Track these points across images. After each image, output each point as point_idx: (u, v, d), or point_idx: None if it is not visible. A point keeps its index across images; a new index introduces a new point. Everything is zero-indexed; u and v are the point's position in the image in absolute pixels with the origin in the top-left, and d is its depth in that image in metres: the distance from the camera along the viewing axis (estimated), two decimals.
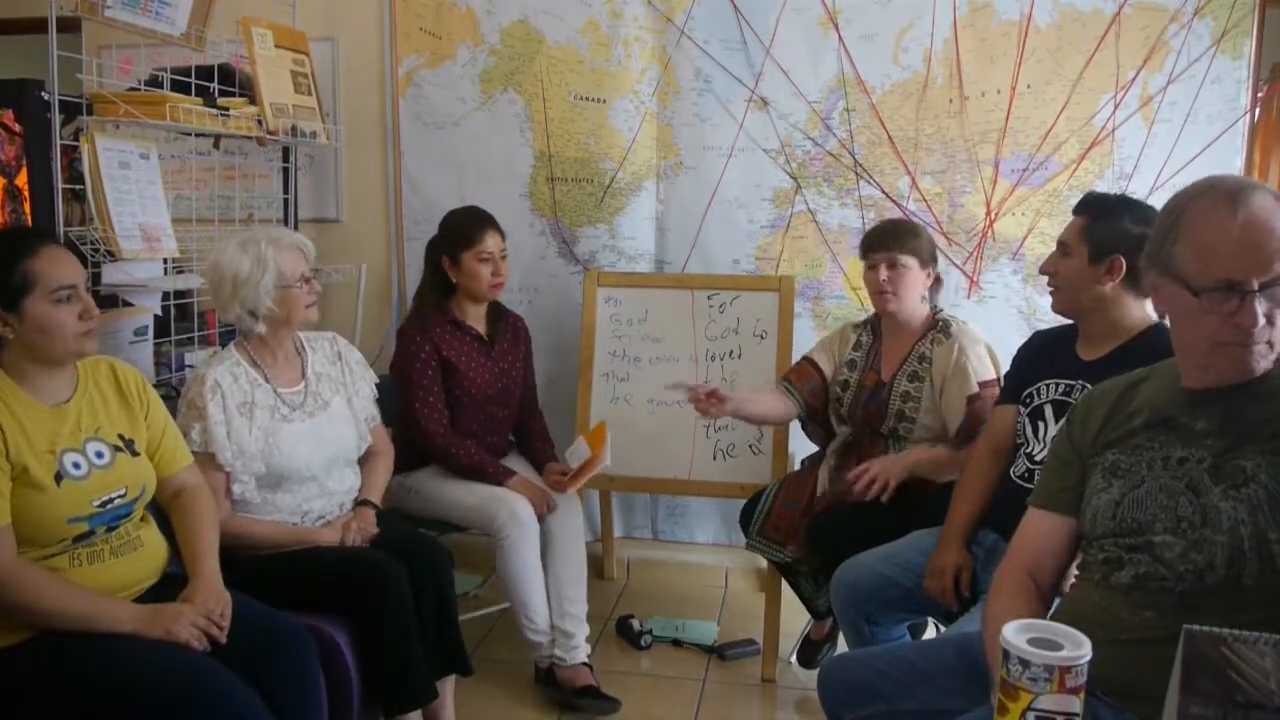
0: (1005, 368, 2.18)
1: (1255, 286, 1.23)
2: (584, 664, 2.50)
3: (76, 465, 1.69)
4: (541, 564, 2.52)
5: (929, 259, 2.40)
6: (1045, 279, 2.01)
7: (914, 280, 2.38)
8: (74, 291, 1.68)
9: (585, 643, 2.53)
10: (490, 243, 2.60)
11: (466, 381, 2.61)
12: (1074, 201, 2.01)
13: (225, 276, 2.09)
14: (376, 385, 2.38)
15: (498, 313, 2.75)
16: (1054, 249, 1.99)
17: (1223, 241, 1.24)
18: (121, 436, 1.79)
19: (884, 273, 2.36)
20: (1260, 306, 1.23)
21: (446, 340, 2.61)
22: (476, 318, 2.69)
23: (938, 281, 2.46)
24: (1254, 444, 1.27)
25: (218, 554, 1.87)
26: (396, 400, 2.58)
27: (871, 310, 2.55)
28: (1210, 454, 1.30)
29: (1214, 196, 1.27)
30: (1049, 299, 2.02)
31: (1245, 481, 1.26)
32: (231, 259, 2.08)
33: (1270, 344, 1.26)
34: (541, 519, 2.54)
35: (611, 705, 2.45)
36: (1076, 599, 1.42)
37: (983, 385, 2.32)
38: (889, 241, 2.37)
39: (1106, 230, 1.88)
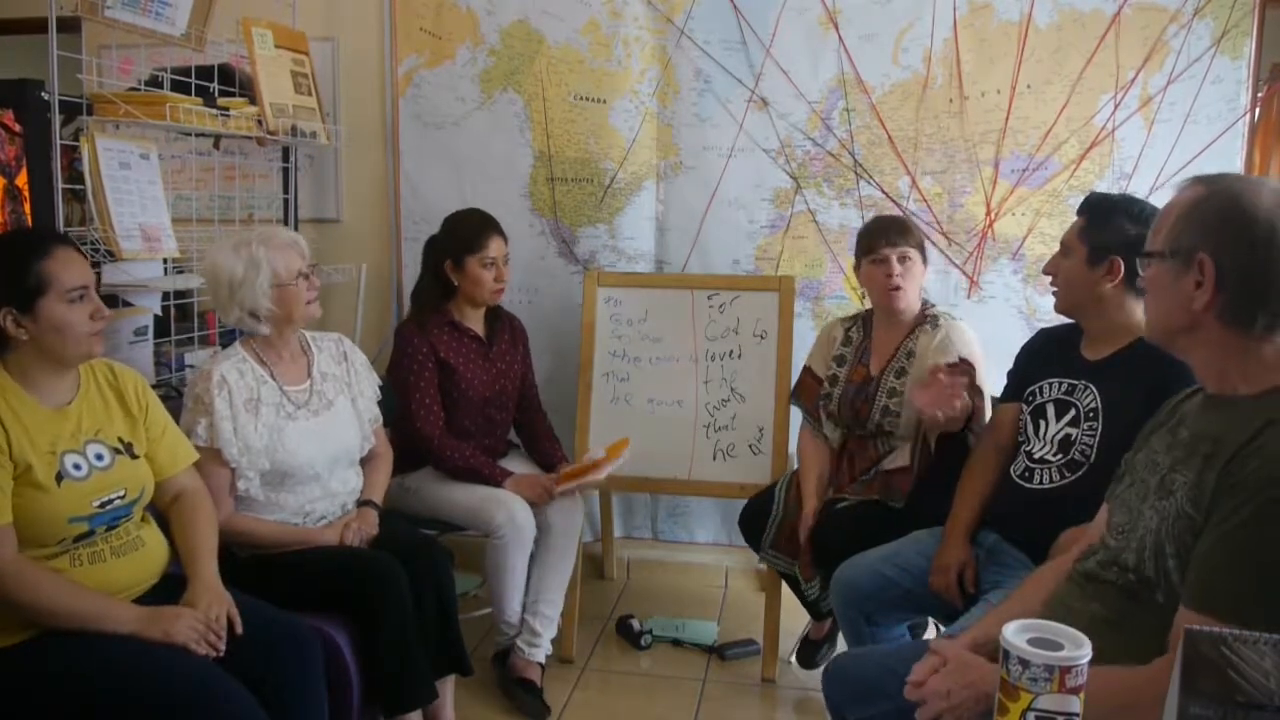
0: (1002, 368, 2.17)
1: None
2: (539, 663, 2.52)
3: (77, 466, 1.69)
4: (531, 555, 2.53)
5: (925, 252, 2.46)
6: (1045, 279, 2.02)
7: (919, 273, 2.42)
8: (86, 292, 1.69)
9: (550, 644, 2.55)
10: (494, 248, 2.60)
11: (464, 383, 2.61)
12: (1075, 202, 2.01)
13: (221, 280, 2.08)
14: (380, 387, 2.38)
15: (495, 314, 2.75)
16: (1056, 249, 1.99)
17: None
18: (121, 439, 1.79)
19: (897, 265, 2.37)
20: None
21: (444, 342, 2.61)
22: (475, 319, 2.69)
23: None
24: (1190, 460, 1.25)
25: (216, 557, 1.86)
26: (395, 401, 2.58)
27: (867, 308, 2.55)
28: (1169, 463, 1.30)
29: None
30: (1049, 299, 2.02)
31: (1169, 496, 1.25)
32: (226, 262, 2.07)
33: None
34: (540, 508, 2.55)
35: (539, 709, 2.45)
36: (1055, 588, 1.45)
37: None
38: (895, 236, 2.39)
39: (1103, 231, 1.87)
